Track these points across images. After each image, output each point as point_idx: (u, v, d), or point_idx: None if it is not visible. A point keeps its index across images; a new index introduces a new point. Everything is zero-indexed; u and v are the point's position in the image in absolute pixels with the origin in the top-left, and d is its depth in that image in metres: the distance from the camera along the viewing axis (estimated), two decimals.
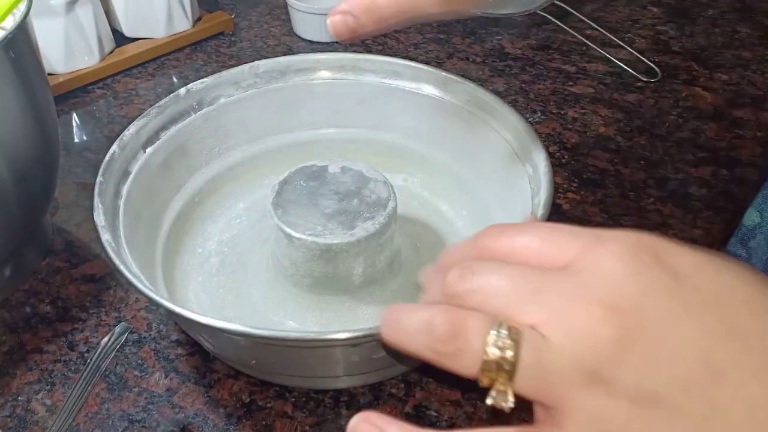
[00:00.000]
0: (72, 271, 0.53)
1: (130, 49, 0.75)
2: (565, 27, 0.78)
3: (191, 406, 0.44)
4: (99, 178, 0.44)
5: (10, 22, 0.44)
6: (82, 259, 0.54)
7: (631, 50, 0.76)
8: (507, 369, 0.23)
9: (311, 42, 0.79)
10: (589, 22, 0.79)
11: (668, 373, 0.22)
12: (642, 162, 0.62)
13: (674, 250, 0.24)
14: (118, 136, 0.47)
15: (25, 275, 0.52)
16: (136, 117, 0.49)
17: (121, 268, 0.39)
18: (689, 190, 0.59)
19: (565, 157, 0.63)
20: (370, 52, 0.77)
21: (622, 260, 0.23)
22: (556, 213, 0.57)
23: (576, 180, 0.61)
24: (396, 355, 0.28)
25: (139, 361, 0.47)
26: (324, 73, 0.55)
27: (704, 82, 0.72)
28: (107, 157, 0.46)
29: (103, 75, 0.73)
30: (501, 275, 0.24)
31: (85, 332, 0.49)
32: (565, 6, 0.81)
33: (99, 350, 0.40)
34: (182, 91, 0.51)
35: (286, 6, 0.80)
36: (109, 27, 0.73)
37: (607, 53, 0.75)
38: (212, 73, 0.53)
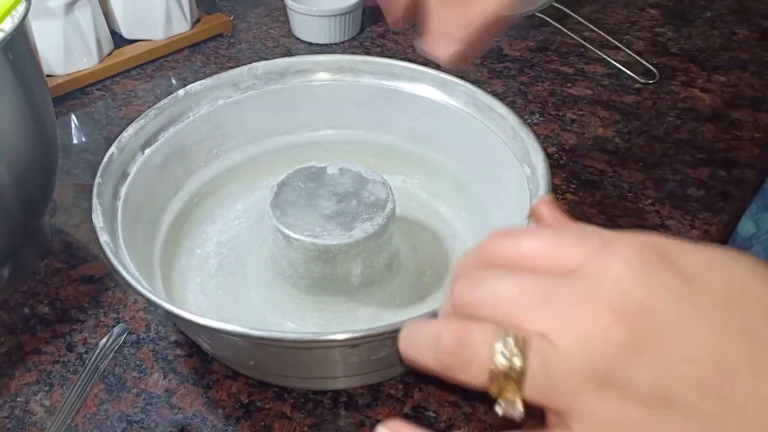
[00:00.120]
0: (70, 272, 0.53)
1: (128, 51, 0.75)
2: (564, 29, 0.78)
3: (190, 407, 0.44)
4: (97, 180, 0.44)
5: (8, 24, 0.44)
6: (80, 261, 0.54)
7: (629, 52, 0.76)
8: (515, 377, 0.23)
9: (310, 44, 0.79)
10: (587, 23, 0.79)
11: (680, 374, 0.21)
12: (640, 163, 0.62)
13: (683, 249, 0.23)
14: (116, 137, 0.47)
15: (24, 276, 0.52)
16: (135, 118, 0.49)
17: (120, 269, 0.39)
18: (687, 192, 0.60)
19: (564, 158, 0.63)
20: (368, 53, 0.77)
21: (629, 263, 0.23)
22: None
23: (574, 181, 0.61)
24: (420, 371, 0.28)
25: (138, 362, 0.47)
26: (322, 75, 0.55)
27: (702, 84, 0.72)
28: (106, 159, 0.46)
29: (102, 77, 0.73)
30: (508, 283, 0.24)
31: (83, 333, 0.49)
32: (563, 8, 0.81)
33: (97, 351, 0.40)
34: (181, 92, 0.51)
35: (284, 8, 0.80)
36: (107, 29, 0.73)
37: (606, 55, 0.75)
38: (211, 74, 0.53)
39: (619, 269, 0.23)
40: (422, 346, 0.25)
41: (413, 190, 0.57)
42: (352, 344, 0.37)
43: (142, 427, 0.43)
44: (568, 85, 0.72)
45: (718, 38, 0.80)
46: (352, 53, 0.56)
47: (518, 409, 0.23)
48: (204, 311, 0.48)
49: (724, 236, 0.61)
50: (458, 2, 0.38)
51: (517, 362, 0.23)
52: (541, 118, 0.68)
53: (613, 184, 0.60)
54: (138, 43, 0.76)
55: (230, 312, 0.48)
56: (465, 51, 0.38)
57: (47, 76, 0.68)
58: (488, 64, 0.76)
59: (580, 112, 0.69)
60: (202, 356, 0.47)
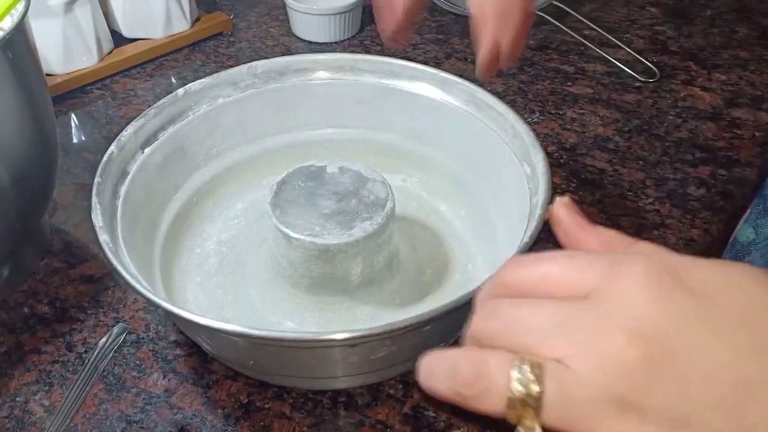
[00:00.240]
0: (70, 271, 0.53)
1: (128, 50, 0.75)
2: (564, 27, 0.78)
3: (189, 407, 0.44)
4: (97, 179, 0.44)
5: (8, 23, 0.44)
6: (80, 260, 0.54)
7: (629, 50, 0.76)
8: (533, 404, 0.23)
9: (309, 42, 0.79)
10: (587, 22, 0.79)
11: (698, 395, 0.22)
12: (640, 162, 0.62)
13: (695, 268, 0.23)
14: (116, 136, 0.47)
15: (24, 276, 0.52)
16: (135, 117, 0.49)
17: (119, 268, 0.39)
18: (687, 190, 0.59)
19: (564, 157, 0.63)
20: (368, 52, 0.77)
21: (643, 286, 0.23)
22: None
23: (574, 180, 0.61)
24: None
25: (137, 362, 0.47)
26: (322, 74, 0.55)
27: (702, 82, 0.72)
28: (105, 158, 0.46)
29: (102, 75, 0.73)
30: (523, 312, 0.25)
31: (83, 333, 0.49)
32: (563, 6, 0.81)
33: (97, 351, 0.40)
34: (180, 91, 0.51)
35: (284, 6, 0.80)
36: (107, 27, 0.73)
37: (606, 53, 0.75)
38: (210, 73, 0.53)
39: (633, 292, 0.23)
40: (440, 378, 0.26)
41: (413, 189, 0.57)
42: (351, 344, 0.37)
43: (141, 427, 0.43)
44: (568, 83, 0.72)
45: (718, 36, 0.80)
46: (352, 52, 0.56)
47: None
48: (204, 311, 0.48)
49: (724, 236, 0.61)
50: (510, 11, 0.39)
51: (534, 388, 0.23)
52: (541, 117, 0.68)
53: (613, 183, 0.60)
54: (138, 42, 0.76)
55: (230, 311, 0.48)
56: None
57: (47, 75, 0.68)
58: None
59: (580, 111, 0.69)
60: (202, 356, 0.47)
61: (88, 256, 0.54)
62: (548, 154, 0.55)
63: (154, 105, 0.50)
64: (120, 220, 0.44)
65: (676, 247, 0.54)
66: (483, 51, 0.40)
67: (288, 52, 0.78)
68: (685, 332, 0.22)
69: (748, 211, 0.62)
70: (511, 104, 0.62)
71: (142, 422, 0.43)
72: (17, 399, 0.45)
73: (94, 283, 0.52)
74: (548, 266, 0.25)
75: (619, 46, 0.76)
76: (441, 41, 0.79)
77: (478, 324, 0.26)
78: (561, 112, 0.68)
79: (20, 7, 0.45)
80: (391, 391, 0.45)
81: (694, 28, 0.81)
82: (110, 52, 0.74)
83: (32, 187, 0.49)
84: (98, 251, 0.54)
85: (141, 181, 0.48)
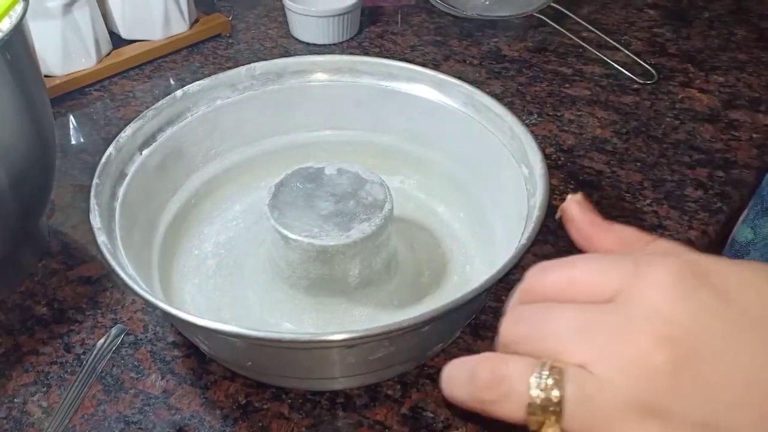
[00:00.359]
0: (68, 273, 0.53)
1: (127, 51, 0.75)
2: (562, 29, 0.78)
3: (187, 408, 0.44)
4: (95, 180, 0.44)
5: (6, 24, 0.44)
6: (78, 261, 0.54)
7: (627, 52, 0.76)
8: (553, 409, 0.23)
9: (308, 44, 0.79)
10: (585, 24, 0.79)
11: (723, 398, 0.21)
12: (638, 164, 0.62)
13: (718, 267, 0.23)
14: (114, 138, 0.47)
15: (22, 277, 0.52)
16: (133, 119, 0.49)
17: (117, 270, 0.39)
18: (685, 192, 0.60)
19: (562, 158, 0.63)
20: (366, 54, 0.77)
21: (667, 287, 0.22)
22: (552, 215, 0.57)
23: (572, 182, 0.61)
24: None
25: (136, 363, 0.47)
26: (320, 75, 0.55)
27: (700, 84, 0.72)
28: (103, 159, 0.46)
29: (100, 77, 0.73)
30: (548, 317, 0.24)
31: (81, 334, 0.49)
32: (561, 8, 0.81)
33: (95, 352, 0.40)
34: (179, 93, 0.51)
35: (283, 8, 0.80)
36: (106, 29, 0.73)
37: (604, 55, 0.75)
38: (209, 75, 0.53)
39: (657, 294, 0.22)
40: (459, 383, 0.25)
41: (411, 191, 0.57)
42: (349, 345, 0.37)
43: (139, 428, 0.43)
44: (566, 85, 0.72)
45: (716, 39, 0.80)
46: (351, 54, 0.56)
47: None
48: (202, 312, 0.48)
49: (721, 237, 0.61)
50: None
51: (554, 393, 0.23)
52: (539, 119, 0.68)
53: (611, 185, 0.60)
54: (136, 43, 0.76)
55: (228, 313, 0.48)
56: None
57: (45, 76, 0.68)
58: (486, 65, 0.76)
59: (578, 113, 0.69)
60: (200, 357, 0.47)
61: (86, 257, 0.54)
62: (546, 156, 0.55)
63: (153, 106, 0.50)
64: (118, 221, 0.44)
65: None
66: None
67: (286, 53, 0.78)
68: (710, 335, 0.22)
69: (746, 211, 0.62)
70: (509, 106, 0.62)
71: (140, 423, 0.43)
72: (15, 400, 0.45)
73: (92, 284, 0.52)
74: (570, 271, 0.25)
75: (618, 48, 0.77)
76: (439, 43, 0.80)
77: (506, 329, 0.26)
78: (559, 114, 0.69)
79: (19, 8, 0.45)
80: (389, 392, 0.45)
81: (692, 31, 0.81)
82: (109, 54, 0.74)
83: (30, 189, 0.49)
84: (96, 252, 0.54)
85: (139, 183, 0.48)
